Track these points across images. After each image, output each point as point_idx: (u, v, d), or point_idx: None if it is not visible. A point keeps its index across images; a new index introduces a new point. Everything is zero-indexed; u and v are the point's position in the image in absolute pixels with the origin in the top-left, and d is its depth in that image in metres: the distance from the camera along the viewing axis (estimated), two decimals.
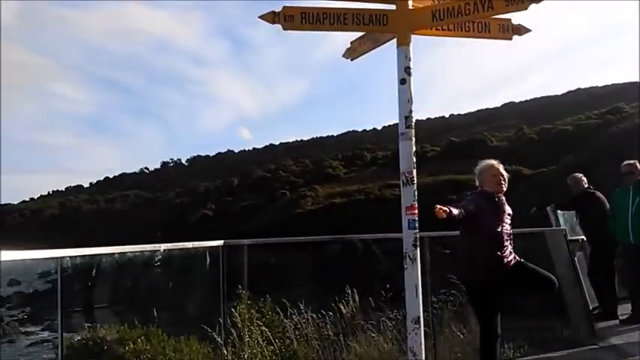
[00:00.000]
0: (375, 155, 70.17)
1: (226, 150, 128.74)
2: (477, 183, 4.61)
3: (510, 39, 3.81)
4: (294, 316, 5.92)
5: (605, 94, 75.19)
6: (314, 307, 6.09)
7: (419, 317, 3.60)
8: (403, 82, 3.56)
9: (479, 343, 4.58)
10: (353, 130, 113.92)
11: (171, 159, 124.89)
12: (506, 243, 4.35)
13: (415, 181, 3.61)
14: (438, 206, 3.74)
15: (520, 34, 3.82)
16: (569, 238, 7.17)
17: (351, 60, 4.17)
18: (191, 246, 4.84)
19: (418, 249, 3.61)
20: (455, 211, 3.99)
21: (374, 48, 3.97)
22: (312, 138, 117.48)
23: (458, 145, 54.69)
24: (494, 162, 4.59)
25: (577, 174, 7.79)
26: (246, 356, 5.21)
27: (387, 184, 53.43)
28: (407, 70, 3.57)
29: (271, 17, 3.56)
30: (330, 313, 6.07)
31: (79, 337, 6.04)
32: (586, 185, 7.54)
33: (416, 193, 3.61)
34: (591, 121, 53.38)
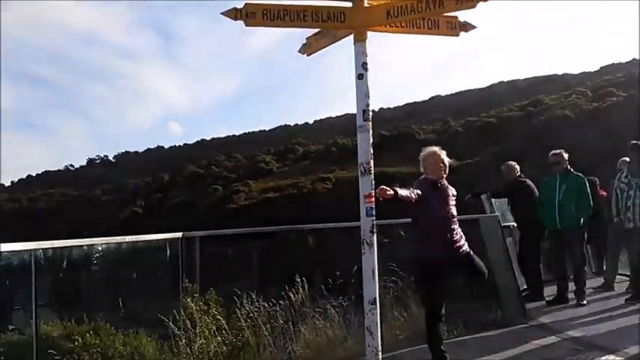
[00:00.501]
0: (308, 149, 70.57)
1: (156, 146, 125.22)
2: (422, 170, 4.83)
3: (457, 35, 4.07)
4: (246, 306, 6.00)
5: (526, 86, 78.94)
6: (266, 296, 6.19)
7: (375, 298, 3.82)
8: (360, 77, 3.74)
9: (425, 324, 4.83)
10: (285, 125, 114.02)
11: (98, 155, 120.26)
12: (454, 225, 4.62)
13: (372, 171, 3.80)
14: (383, 187, 3.93)
15: (466, 31, 4.07)
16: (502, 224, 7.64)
17: (307, 55, 4.31)
18: (149, 238, 4.83)
19: (375, 235, 3.80)
20: (403, 192, 4.17)
21: (330, 44, 4.13)
22: (244, 133, 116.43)
23: (387, 138, 55.99)
24: (436, 149, 4.77)
25: (511, 162, 8.16)
26: (196, 347, 5.24)
27: (319, 178, 54.05)
28: (364, 65, 3.75)
29: (233, 14, 3.64)
30: (281, 302, 6.19)
31: (24, 335, 5.86)
32: (518, 174, 7.99)
33: (373, 183, 3.81)
34: (513, 113, 56.09)
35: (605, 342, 5.13)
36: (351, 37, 3.87)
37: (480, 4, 3.56)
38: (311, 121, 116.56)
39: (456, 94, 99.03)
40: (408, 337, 6.04)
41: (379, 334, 3.84)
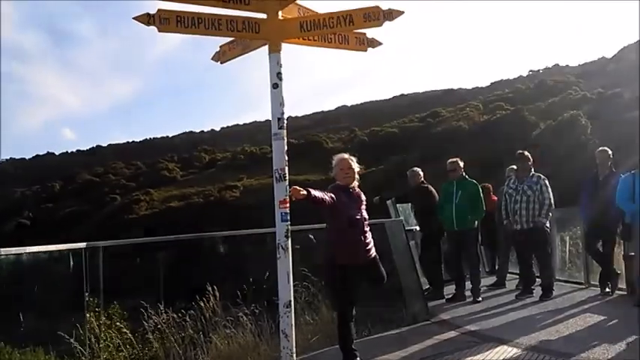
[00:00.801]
0: (214, 157, 69.41)
1: (45, 152, 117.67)
2: (333, 175, 4.97)
3: (365, 50, 4.31)
4: (153, 317, 5.87)
5: (424, 99, 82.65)
6: (175, 307, 6.10)
7: (290, 301, 3.94)
8: (275, 86, 3.86)
9: (337, 325, 5.00)
10: (190, 131, 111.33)
11: None
12: (366, 228, 4.80)
13: (287, 178, 3.93)
14: (296, 187, 4.06)
15: (374, 47, 4.33)
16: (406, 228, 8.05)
17: (221, 63, 4.37)
18: (50, 249, 4.63)
19: (290, 240, 3.93)
20: (316, 193, 4.28)
21: (243, 53, 4.22)
22: (146, 139, 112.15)
23: (296, 146, 56.47)
24: (345, 156, 4.90)
25: (415, 168, 8.63)
26: None
27: (226, 186, 53.32)
28: (278, 75, 3.87)
29: (146, 19, 3.62)
30: (192, 312, 6.12)
31: None
32: (421, 179, 8.45)
33: (287, 189, 3.93)
34: (414, 124, 58.57)
35: (500, 334, 5.52)
36: (264, 47, 3.98)
37: (386, 22, 3.82)
38: (217, 129, 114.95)
39: (362, 104, 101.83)
40: (319, 340, 6.19)
41: (294, 337, 3.95)
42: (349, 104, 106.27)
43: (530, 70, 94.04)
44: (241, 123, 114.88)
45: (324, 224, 4.93)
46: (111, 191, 60.52)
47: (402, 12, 3.84)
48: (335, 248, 4.69)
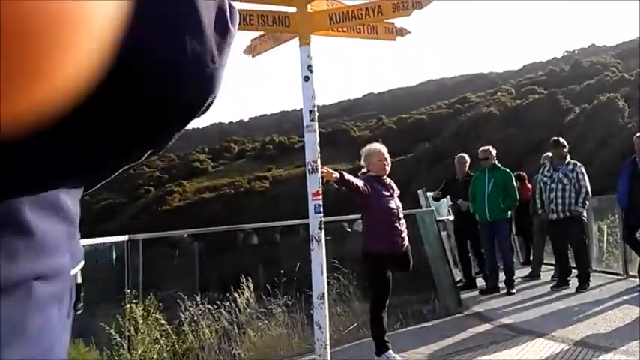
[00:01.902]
0: (244, 148, 69.82)
1: None
2: (365, 166, 5.00)
3: (394, 40, 4.27)
4: (191, 309, 5.97)
5: (453, 84, 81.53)
6: (210, 298, 6.19)
7: (324, 293, 3.95)
8: (306, 79, 3.85)
9: (370, 317, 5.03)
10: (219, 122, 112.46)
11: None
12: (401, 216, 4.81)
13: (319, 170, 3.92)
14: (327, 169, 4.09)
15: (402, 36, 4.28)
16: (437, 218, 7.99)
17: (252, 57, 4.38)
18: (94, 242, 4.73)
19: (323, 231, 3.94)
20: (352, 179, 4.38)
21: (274, 47, 4.23)
22: None
23: (323, 135, 56.12)
24: (379, 146, 4.93)
25: (463, 155, 8.58)
26: (138, 354, 5.18)
27: (256, 177, 53.66)
28: (309, 67, 3.87)
29: None
30: (226, 304, 6.21)
31: None
32: (467, 168, 8.36)
33: (320, 181, 3.93)
34: (443, 110, 57.80)
35: (534, 327, 5.45)
36: (294, 40, 3.98)
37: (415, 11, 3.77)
38: (246, 119, 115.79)
39: (388, 91, 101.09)
40: (351, 332, 6.23)
41: (327, 328, 3.97)
42: (376, 92, 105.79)
43: (565, 51, 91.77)
44: (269, 113, 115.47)
45: (359, 215, 4.97)
46: (145, 183, 61.43)
47: (431, 0, 3.79)
48: (372, 237, 4.70)
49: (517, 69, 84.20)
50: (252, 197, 47.73)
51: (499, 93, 55.06)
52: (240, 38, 4.09)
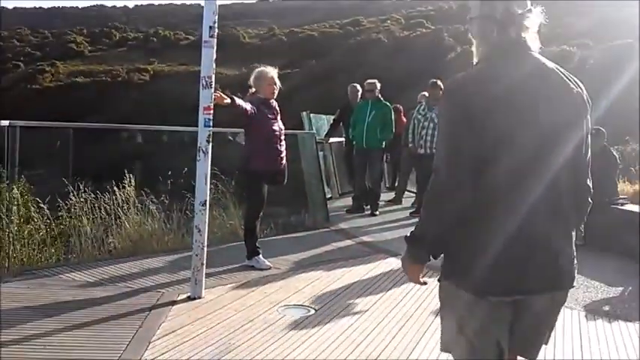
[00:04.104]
0: (125, 36, 65.26)
1: None
2: (252, 87, 5.21)
3: None
4: (71, 196, 5.99)
5: (347, 6, 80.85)
6: (93, 191, 6.23)
7: (206, 201, 4.20)
8: None
9: (244, 222, 5.44)
10: (101, 5, 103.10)
11: None
12: (282, 138, 5.19)
13: (213, 85, 4.05)
14: (219, 94, 4.30)
15: None
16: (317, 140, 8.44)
17: None
18: None
19: (210, 144, 4.13)
20: (242, 103, 4.71)
21: None
22: (54, 7, 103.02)
23: None
24: (271, 72, 5.17)
25: (356, 85, 9.02)
26: (14, 230, 5.16)
27: (136, 68, 50.83)
28: None
29: None
30: (106, 195, 6.28)
31: None
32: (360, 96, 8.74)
33: (213, 97, 4.07)
34: (334, 30, 57.72)
35: (391, 247, 6.07)
36: None
37: None
38: (131, 6, 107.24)
39: (284, 1, 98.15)
40: (224, 235, 6.60)
41: (206, 232, 4.26)
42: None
43: None
44: (156, 3, 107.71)
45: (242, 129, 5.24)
46: (14, 58, 55.89)
47: None
48: (253, 156, 5.04)
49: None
50: (129, 88, 45.38)
51: (389, 21, 55.93)
52: None
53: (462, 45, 38.78)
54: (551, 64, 1.88)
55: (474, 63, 1.95)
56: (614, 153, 7.19)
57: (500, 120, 1.72)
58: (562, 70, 1.89)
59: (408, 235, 1.88)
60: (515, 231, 1.74)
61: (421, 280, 1.95)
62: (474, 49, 1.97)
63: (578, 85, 1.88)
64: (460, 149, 1.75)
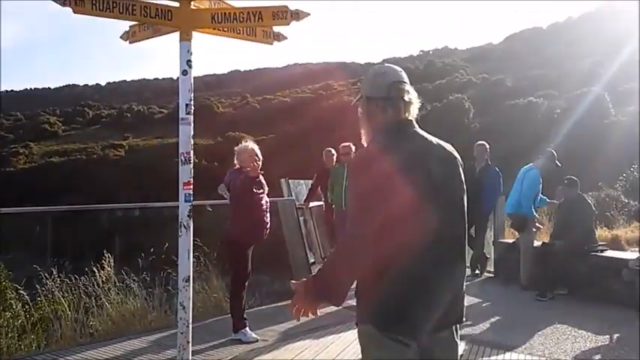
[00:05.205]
0: (99, 113, 65.84)
1: None
2: (236, 162, 5.34)
3: (271, 44, 4.53)
4: (47, 282, 5.91)
5: (319, 70, 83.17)
6: (72, 272, 6.17)
7: (189, 277, 4.17)
8: (185, 73, 4.00)
9: (230, 294, 5.43)
10: (73, 84, 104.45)
11: None
12: (267, 211, 5.32)
13: (192, 160, 4.12)
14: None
15: (279, 41, 4.55)
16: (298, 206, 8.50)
17: (130, 43, 4.41)
18: None
19: (192, 219, 4.14)
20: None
21: (153, 37, 4.30)
22: (26, 89, 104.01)
23: None
24: (251, 145, 5.35)
25: (330, 149, 9.01)
26: None
27: (111, 144, 51.05)
28: (188, 62, 4.01)
29: None
30: (85, 278, 6.20)
31: None
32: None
33: (192, 172, 4.13)
34: (306, 95, 59.06)
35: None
36: (175, 32, 4.09)
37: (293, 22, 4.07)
38: (103, 83, 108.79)
39: (255, 70, 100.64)
40: (208, 309, 6.51)
41: (190, 309, 4.21)
42: (242, 69, 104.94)
43: (421, 51, 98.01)
44: (129, 79, 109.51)
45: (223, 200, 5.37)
46: None
47: (309, 14, 4.11)
48: (240, 229, 5.18)
49: (377, 62, 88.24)
50: (105, 165, 45.41)
51: (359, 83, 57.40)
52: (120, 23, 4.09)
53: (432, 102, 39.99)
54: (430, 136, 2.20)
55: (366, 140, 2.26)
56: (589, 200, 7.32)
57: (403, 184, 1.96)
58: (439, 140, 2.23)
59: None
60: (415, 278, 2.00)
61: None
62: (363, 128, 2.30)
63: (452, 149, 2.23)
64: (369, 209, 1.96)
